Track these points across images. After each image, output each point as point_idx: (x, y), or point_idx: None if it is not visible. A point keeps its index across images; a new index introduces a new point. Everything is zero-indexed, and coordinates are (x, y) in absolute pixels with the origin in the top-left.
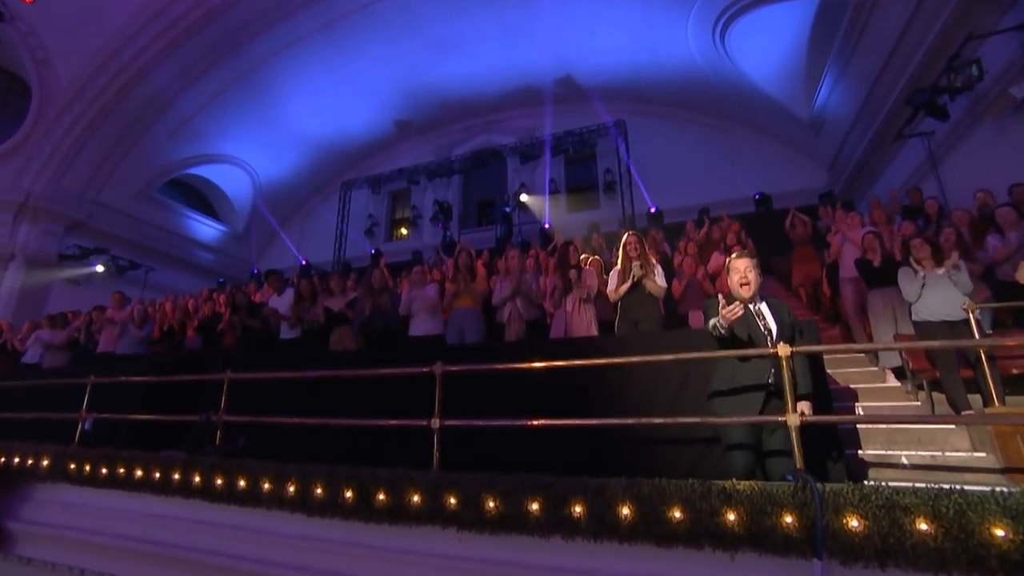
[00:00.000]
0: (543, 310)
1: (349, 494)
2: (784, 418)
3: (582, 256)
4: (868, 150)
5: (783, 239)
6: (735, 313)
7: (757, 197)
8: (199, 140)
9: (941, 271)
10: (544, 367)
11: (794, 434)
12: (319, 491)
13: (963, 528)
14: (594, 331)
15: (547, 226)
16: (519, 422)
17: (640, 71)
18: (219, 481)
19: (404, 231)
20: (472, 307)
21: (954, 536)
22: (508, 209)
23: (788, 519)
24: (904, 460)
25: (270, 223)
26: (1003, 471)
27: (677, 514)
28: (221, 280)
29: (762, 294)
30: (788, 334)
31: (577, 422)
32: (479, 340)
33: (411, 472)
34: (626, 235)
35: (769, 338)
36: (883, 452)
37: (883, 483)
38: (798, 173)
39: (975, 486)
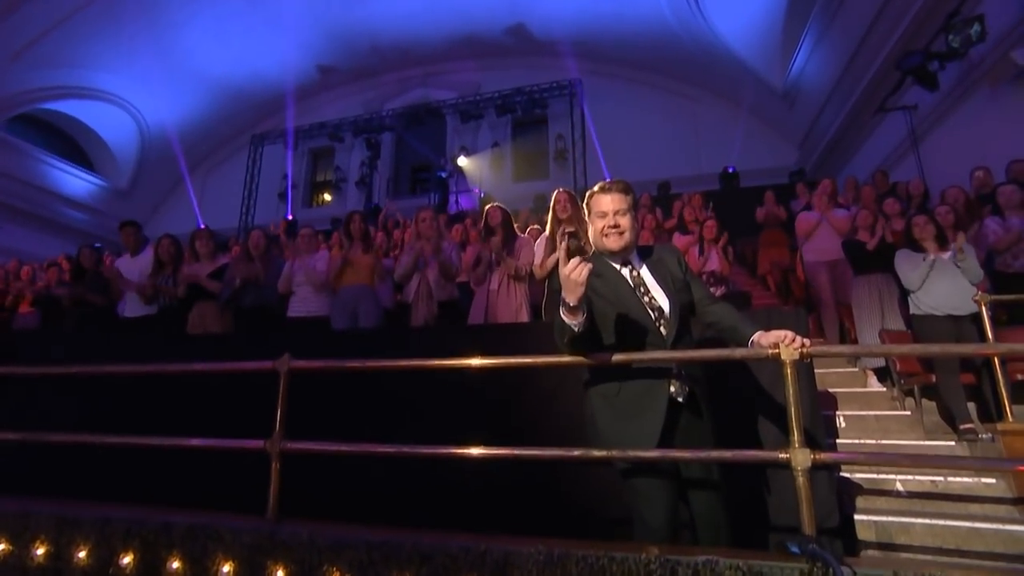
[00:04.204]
0: (463, 288)
1: (127, 559)
2: (786, 455)
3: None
4: (844, 125)
5: (751, 220)
6: (580, 273)
7: (732, 171)
8: (58, 67)
9: (947, 255)
10: (440, 367)
11: (801, 479)
12: (82, 554)
13: None
14: (524, 316)
15: (477, 191)
16: (395, 449)
17: (602, 23)
18: None
19: (327, 196)
20: (365, 283)
21: None
22: (444, 174)
23: None
24: (899, 487)
25: (163, 178)
26: (1016, 502)
27: None
28: (98, 245)
29: (642, 249)
30: (685, 299)
31: (476, 452)
32: (374, 325)
33: (219, 526)
34: (555, 192)
35: (662, 322)
36: (872, 476)
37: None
38: (767, 150)
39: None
